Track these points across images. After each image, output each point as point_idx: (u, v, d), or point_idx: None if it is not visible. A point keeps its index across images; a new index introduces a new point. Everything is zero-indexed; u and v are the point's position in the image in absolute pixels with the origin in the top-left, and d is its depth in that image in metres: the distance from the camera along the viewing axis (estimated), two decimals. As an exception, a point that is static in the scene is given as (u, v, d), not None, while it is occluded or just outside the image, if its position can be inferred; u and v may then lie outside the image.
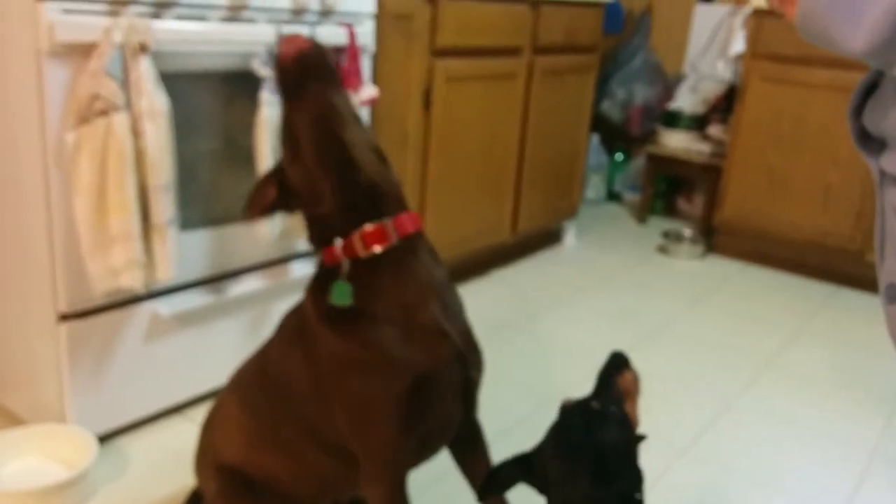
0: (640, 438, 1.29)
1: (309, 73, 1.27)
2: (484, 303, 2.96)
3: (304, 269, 2.23)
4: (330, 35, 2.07)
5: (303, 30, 1.98)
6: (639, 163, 4.50)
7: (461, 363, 1.31)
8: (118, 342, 1.86)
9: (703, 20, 4.26)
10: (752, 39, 3.42)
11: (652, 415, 2.21)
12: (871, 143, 0.91)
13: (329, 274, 1.28)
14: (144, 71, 1.63)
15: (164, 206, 1.71)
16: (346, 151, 1.26)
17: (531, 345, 2.63)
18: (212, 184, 1.97)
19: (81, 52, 1.61)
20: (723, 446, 2.12)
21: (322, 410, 1.29)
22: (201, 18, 1.82)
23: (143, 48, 1.63)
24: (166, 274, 1.76)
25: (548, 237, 3.72)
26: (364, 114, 2.28)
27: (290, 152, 1.30)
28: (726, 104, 3.99)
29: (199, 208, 1.94)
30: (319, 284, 1.30)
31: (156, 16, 1.71)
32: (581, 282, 3.27)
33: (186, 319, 1.99)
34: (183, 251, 1.88)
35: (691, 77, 4.25)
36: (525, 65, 3.02)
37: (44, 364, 1.83)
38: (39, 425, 1.82)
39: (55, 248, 1.70)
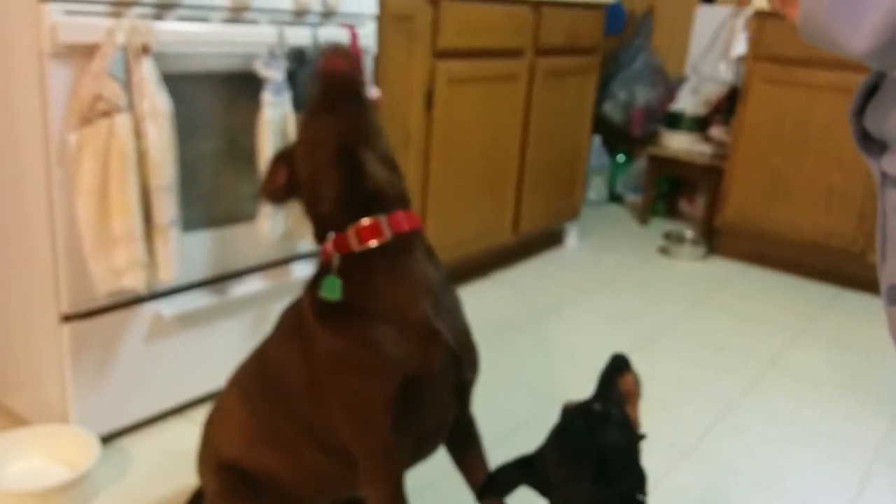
0: (641, 437, 1.29)
1: (349, 92, 1.29)
2: (485, 304, 2.96)
3: (305, 270, 2.23)
4: (332, 36, 2.07)
5: (304, 32, 1.98)
6: (640, 164, 4.50)
7: (455, 363, 1.31)
8: (120, 343, 1.86)
9: (705, 21, 4.26)
10: (754, 41, 3.42)
11: (654, 416, 2.21)
12: (872, 144, 0.91)
13: (325, 270, 1.30)
14: (147, 72, 1.64)
15: (167, 207, 1.71)
16: (360, 167, 1.28)
17: (533, 346, 2.64)
18: (214, 185, 1.97)
19: (84, 53, 1.61)
20: (725, 448, 2.12)
21: (319, 408, 1.29)
22: (203, 20, 1.82)
23: (145, 49, 1.63)
24: (168, 275, 1.76)
25: (549, 238, 3.72)
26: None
27: (306, 150, 1.32)
28: (728, 106, 3.99)
29: (201, 209, 1.95)
30: (316, 281, 1.32)
31: (158, 17, 1.72)
32: (583, 283, 3.27)
33: (188, 320, 1.99)
34: (185, 252, 1.88)
35: (693, 78, 4.25)
36: (526, 66, 3.02)
37: (46, 365, 1.83)
38: (42, 426, 1.83)
39: (58, 249, 1.70)
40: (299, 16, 2.03)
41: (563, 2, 3.11)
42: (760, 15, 3.36)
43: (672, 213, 4.45)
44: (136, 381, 1.92)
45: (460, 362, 1.33)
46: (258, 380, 1.41)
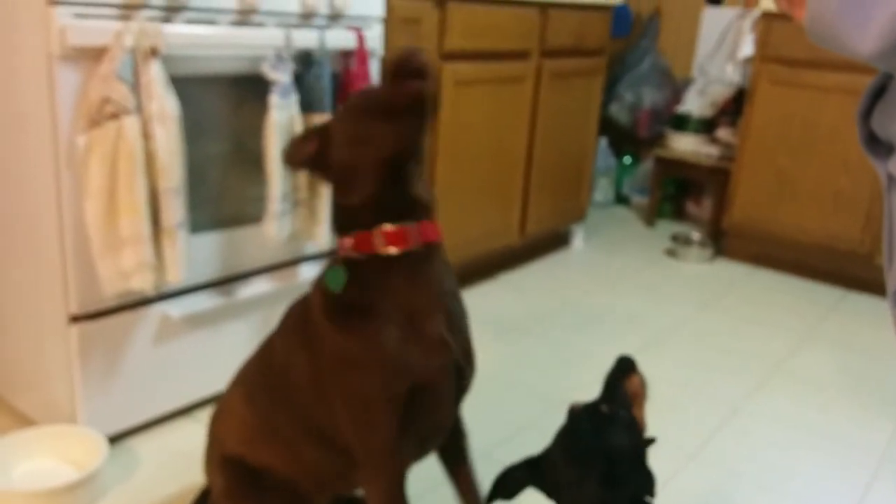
0: (650, 442, 1.29)
1: (420, 106, 1.25)
2: (491, 305, 2.96)
3: (312, 272, 2.24)
4: (339, 39, 2.07)
5: (311, 34, 1.99)
6: (647, 166, 4.50)
7: (458, 373, 1.34)
8: (128, 344, 1.87)
9: (712, 23, 4.26)
10: (761, 42, 3.41)
11: (659, 418, 2.21)
12: (879, 146, 0.91)
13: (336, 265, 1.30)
14: (155, 74, 1.64)
15: (174, 209, 1.72)
16: (405, 178, 1.27)
17: (538, 348, 2.64)
18: (221, 187, 1.98)
19: (93, 55, 1.62)
20: (730, 450, 2.12)
21: (323, 405, 1.30)
22: (211, 22, 1.83)
23: (153, 52, 1.64)
24: (176, 276, 1.77)
25: (556, 240, 3.72)
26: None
27: (352, 140, 1.28)
28: (735, 107, 3.99)
29: (208, 211, 1.95)
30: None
31: (166, 20, 1.72)
32: (589, 285, 3.27)
33: (196, 321, 2.00)
34: (193, 253, 1.89)
35: (700, 80, 4.25)
36: (533, 68, 3.02)
37: (54, 365, 1.84)
38: (50, 426, 1.83)
39: (66, 251, 1.71)
40: (306, 18, 2.03)
41: (569, 3, 3.11)
42: (767, 16, 3.36)
43: (679, 214, 4.44)
44: (144, 382, 1.93)
45: (463, 373, 1.35)
46: (262, 377, 1.41)
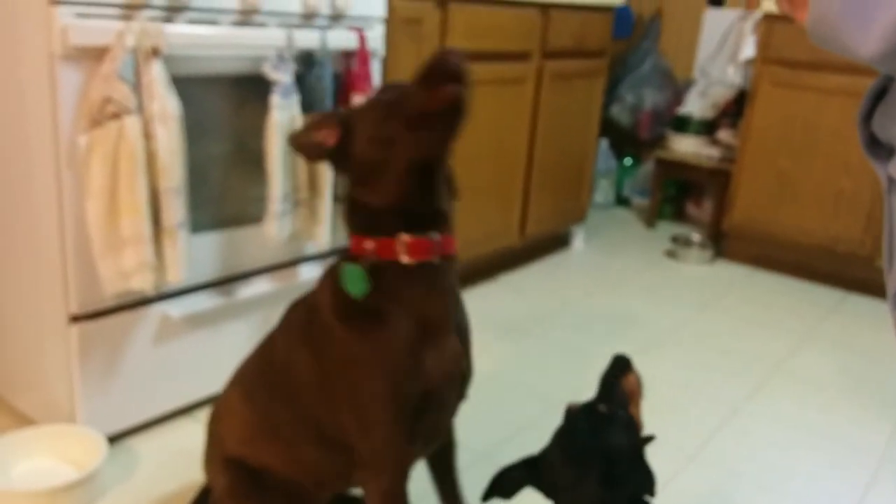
0: (648, 440, 1.29)
1: (456, 112, 1.19)
2: (492, 307, 2.96)
3: (313, 272, 2.24)
4: (340, 39, 2.07)
5: (313, 34, 1.99)
6: (648, 167, 4.50)
7: (463, 381, 1.36)
8: (128, 343, 1.87)
9: (713, 25, 4.26)
10: (763, 44, 3.41)
11: (660, 419, 2.21)
12: (880, 149, 0.91)
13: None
14: (156, 74, 1.64)
15: (175, 209, 1.72)
16: (432, 186, 1.25)
17: (539, 348, 2.64)
18: (222, 187, 1.98)
19: (94, 55, 1.62)
20: (730, 451, 2.12)
21: (327, 405, 1.30)
22: (213, 22, 1.83)
23: (155, 52, 1.64)
24: (176, 276, 1.77)
25: (556, 241, 3.72)
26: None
27: (381, 137, 1.23)
28: (736, 109, 3.99)
29: (209, 211, 1.95)
30: (339, 278, 1.29)
31: (168, 20, 1.72)
32: (589, 286, 3.27)
33: (196, 321, 2.00)
34: (193, 253, 1.89)
35: (701, 82, 4.25)
36: (534, 69, 3.02)
37: (54, 365, 1.84)
38: (50, 426, 1.83)
39: (67, 250, 1.71)
40: (308, 19, 2.03)
41: (571, 5, 3.11)
42: (769, 18, 3.36)
43: (679, 216, 4.44)
44: (144, 382, 1.93)
45: (464, 379, 1.37)
46: (262, 375, 1.41)
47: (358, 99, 2.12)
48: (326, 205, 2.08)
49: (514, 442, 2.05)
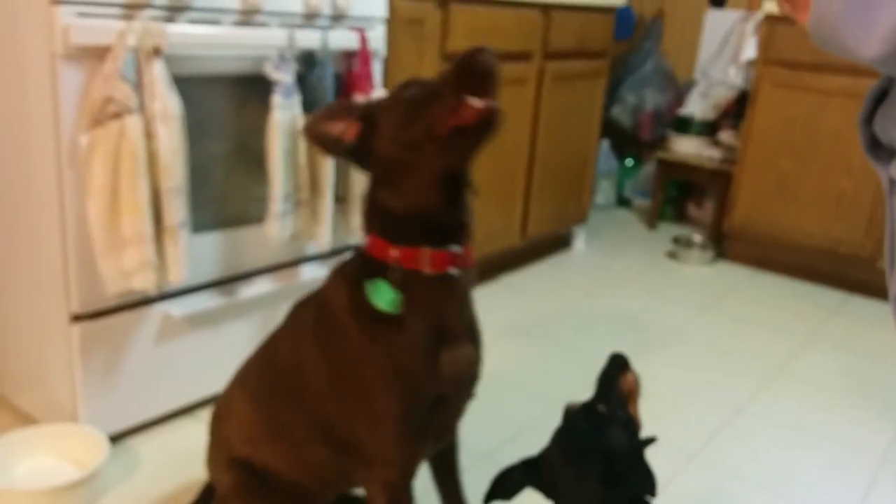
0: (650, 441, 1.29)
1: (490, 123, 1.17)
2: (492, 307, 2.96)
3: (314, 272, 2.24)
4: (341, 39, 2.07)
5: (314, 35, 1.99)
6: (649, 168, 4.50)
7: (473, 382, 1.37)
8: (130, 343, 1.87)
9: (715, 26, 4.25)
10: (764, 45, 3.41)
11: (661, 420, 2.21)
12: (881, 151, 0.91)
13: (374, 270, 1.25)
14: (158, 74, 1.65)
15: (177, 209, 1.72)
16: (458, 195, 1.24)
17: (540, 349, 2.64)
18: (223, 187, 1.98)
19: (96, 55, 1.62)
20: (731, 451, 2.12)
21: (337, 403, 1.29)
22: (214, 22, 1.83)
23: (156, 51, 1.64)
24: (178, 276, 1.77)
25: (557, 242, 3.72)
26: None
27: (405, 144, 1.19)
28: (737, 110, 3.99)
29: (210, 211, 1.95)
30: (360, 278, 1.26)
31: (169, 19, 1.73)
32: (590, 287, 3.27)
33: (197, 321, 2.00)
34: (194, 253, 1.89)
35: (702, 83, 4.25)
36: (535, 70, 3.02)
37: (56, 364, 1.84)
38: (51, 425, 1.84)
39: (68, 250, 1.71)
40: (309, 19, 2.04)
41: (572, 5, 3.11)
42: (770, 19, 3.36)
43: (680, 217, 4.44)
44: (145, 381, 1.93)
45: (474, 382, 1.38)
46: (266, 376, 1.40)
47: (360, 99, 2.12)
48: (328, 205, 2.08)
49: (516, 442, 2.05)
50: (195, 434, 2.00)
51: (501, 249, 3.14)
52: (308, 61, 1.99)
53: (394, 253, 1.22)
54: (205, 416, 2.07)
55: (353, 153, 1.26)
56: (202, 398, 2.09)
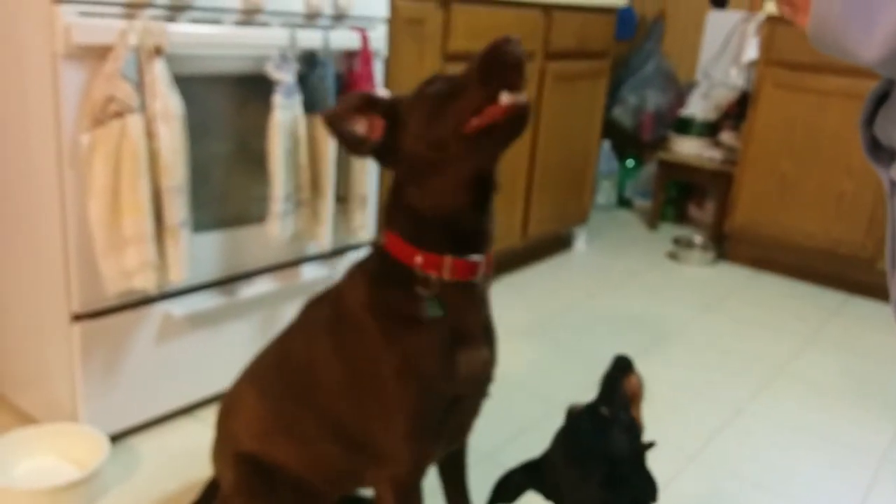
0: (650, 445, 1.29)
1: (518, 127, 1.15)
2: (493, 307, 2.95)
3: (315, 272, 2.24)
4: (343, 39, 2.07)
5: (316, 34, 1.99)
6: (650, 169, 4.50)
7: (487, 383, 1.37)
8: (130, 343, 1.87)
9: (716, 26, 4.25)
10: (766, 46, 3.41)
11: (661, 420, 2.21)
12: (882, 153, 0.91)
13: (394, 270, 1.24)
14: (159, 73, 1.65)
15: (178, 208, 1.72)
16: (485, 200, 1.22)
17: (540, 349, 2.63)
18: (224, 186, 1.98)
19: (97, 54, 1.62)
20: (732, 452, 2.12)
21: (350, 401, 1.29)
22: (216, 22, 1.83)
23: (158, 51, 1.64)
24: (179, 275, 1.77)
25: (558, 243, 3.72)
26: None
27: (434, 143, 1.17)
28: (738, 111, 3.99)
29: (211, 210, 1.95)
30: (382, 279, 1.26)
31: (171, 19, 1.73)
32: (591, 287, 3.27)
33: (198, 321, 2.00)
34: (195, 253, 1.89)
35: (703, 83, 4.25)
36: (537, 70, 3.02)
37: (57, 364, 1.84)
38: (52, 424, 1.84)
39: (69, 249, 1.71)
40: (311, 18, 2.04)
41: (573, 5, 3.11)
42: (772, 20, 3.36)
43: (681, 218, 4.44)
44: (146, 381, 1.93)
45: (488, 383, 1.38)
46: (278, 372, 1.40)
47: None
48: (328, 205, 2.08)
49: (517, 443, 2.05)
50: (196, 434, 2.00)
51: (502, 250, 3.14)
52: (309, 61, 1.99)
53: (418, 260, 1.21)
54: (206, 416, 2.07)
55: (378, 151, 1.24)
56: (203, 398, 2.09)
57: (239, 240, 2.04)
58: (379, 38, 2.20)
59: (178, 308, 1.92)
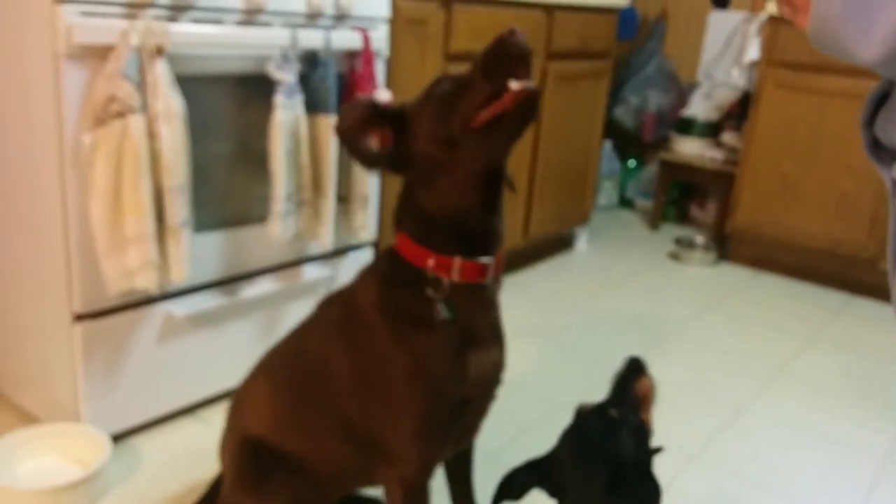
0: (656, 451, 1.28)
1: (528, 115, 1.15)
2: (495, 307, 2.96)
3: (317, 272, 2.24)
4: (344, 39, 2.08)
5: (317, 34, 1.99)
6: (651, 169, 4.50)
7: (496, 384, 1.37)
8: (132, 342, 1.87)
9: (718, 27, 4.25)
10: (767, 47, 3.41)
11: (662, 420, 2.20)
12: (883, 153, 0.91)
13: (405, 271, 1.24)
14: (160, 73, 1.65)
15: (179, 208, 1.72)
16: (495, 198, 1.23)
17: (542, 350, 2.64)
18: (226, 186, 1.98)
19: (99, 54, 1.62)
20: (733, 452, 2.12)
21: (360, 401, 1.29)
22: (217, 22, 1.83)
23: (159, 51, 1.65)
24: (180, 275, 1.77)
25: (560, 243, 3.72)
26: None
27: (443, 142, 1.17)
28: (740, 111, 3.98)
29: (212, 210, 1.96)
30: (393, 280, 1.26)
31: (172, 19, 1.73)
32: (592, 288, 3.27)
33: (200, 321, 2.00)
34: (197, 253, 1.89)
35: (705, 84, 4.25)
36: (538, 70, 3.02)
37: (58, 363, 1.84)
38: (54, 424, 1.84)
39: (71, 249, 1.71)
40: (312, 18, 2.04)
41: (575, 6, 3.11)
42: (773, 20, 3.36)
43: (683, 218, 4.44)
44: (148, 381, 1.93)
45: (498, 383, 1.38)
46: (292, 368, 1.40)
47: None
48: (330, 205, 2.09)
49: (518, 443, 2.05)
50: (197, 434, 2.00)
51: (504, 250, 3.14)
52: (311, 61, 1.99)
53: (431, 262, 1.21)
54: (207, 416, 2.08)
55: (389, 160, 1.23)
56: (204, 398, 2.09)
57: (240, 240, 2.04)
58: (380, 39, 2.20)
59: (179, 308, 1.93)
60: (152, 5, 1.68)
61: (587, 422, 1.28)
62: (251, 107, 1.98)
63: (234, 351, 2.10)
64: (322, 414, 1.34)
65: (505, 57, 1.12)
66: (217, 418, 2.06)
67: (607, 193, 4.52)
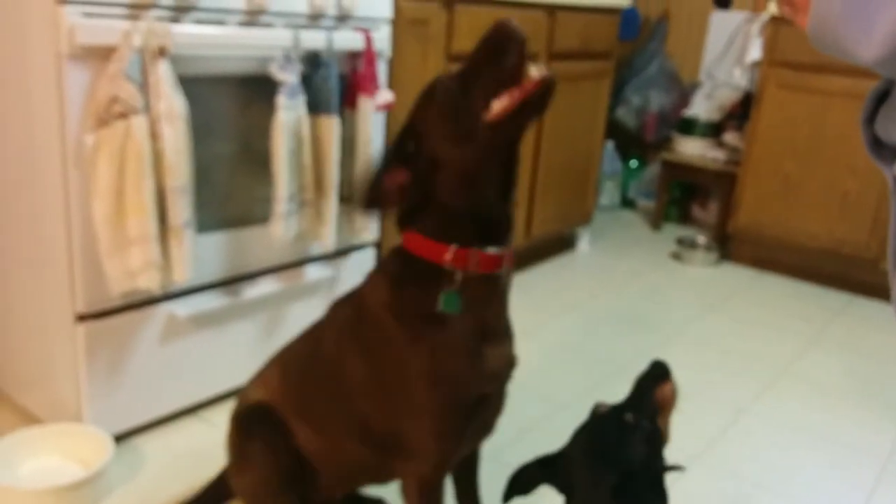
0: (673, 468, 1.26)
1: (543, 104, 1.17)
2: (497, 308, 2.96)
3: (319, 272, 2.24)
4: (346, 40, 2.08)
5: (319, 35, 1.99)
6: (653, 169, 4.50)
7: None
8: (135, 343, 1.88)
9: (720, 27, 4.25)
10: (769, 47, 3.41)
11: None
12: (884, 151, 0.91)
13: (419, 268, 1.24)
14: (163, 74, 1.65)
15: (181, 208, 1.73)
16: (509, 191, 1.24)
17: (544, 350, 2.64)
18: (228, 187, 1.99)
19: (101, 55, 1.62)
20: (734, 452, 2.12)
21: (374, 401, 1.29)
22: (220, 23, 1.83)
23: (162, 52, 1.65)
24: (183, 276, 1.77)
25: (561, 243, 3.72)
26: (380, 119, 2.29)
27: (455, 138, 1.19)
28: (742, 111, 3.98)
29: (215, 211, 1.96)
30: (404, 279, 1.27)
31: (175, 20, 1.73)
32: (594, 288, 3.27)
33: (202, 321, 2.00)
34: (199, 253, 1.90)
35: (707, 84, 4.25)
36: (540, 71, 3.02)
37: (61, 364, 1.85)
38: (56, 424, 1.84)
39: (73, 249, 1.72)
40: (314, 19, 2.04)
41: (577, 6, 3.11)
42: (775, 21, 3.36)
43: (685, 218, 4.44)
44: (150, 381, 1.94)
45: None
46: (308, 365, 1.41)
47: (364, 100, 2.13)
48: (332, 205, 2.09)
49: (519, 443, 2.05)
50: (200, 434, 2.00)
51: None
52: (313, 62, 1.99)
53: (448, 255, 1.21)
54: (210, 416, 2.08)
55: (417, 189, 1.24)
56: (207, 398, 2.09)
57: (243, 240, 2.04)
58: (382, 39, 2.21)
59: (182, 308, 1.93)
60: (155, 6, 1.68)
61: (601, 423, 1.27)
62: (253, 107, 1.98)
63: (237, 351, 2.10)
64: (336, 412, 1.35)
65: (508, 41, 1.15)
66: (220, 418, 2.06)
67: (609, 193, 4.52)
